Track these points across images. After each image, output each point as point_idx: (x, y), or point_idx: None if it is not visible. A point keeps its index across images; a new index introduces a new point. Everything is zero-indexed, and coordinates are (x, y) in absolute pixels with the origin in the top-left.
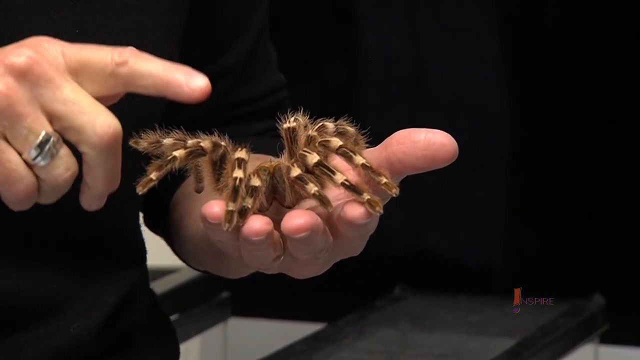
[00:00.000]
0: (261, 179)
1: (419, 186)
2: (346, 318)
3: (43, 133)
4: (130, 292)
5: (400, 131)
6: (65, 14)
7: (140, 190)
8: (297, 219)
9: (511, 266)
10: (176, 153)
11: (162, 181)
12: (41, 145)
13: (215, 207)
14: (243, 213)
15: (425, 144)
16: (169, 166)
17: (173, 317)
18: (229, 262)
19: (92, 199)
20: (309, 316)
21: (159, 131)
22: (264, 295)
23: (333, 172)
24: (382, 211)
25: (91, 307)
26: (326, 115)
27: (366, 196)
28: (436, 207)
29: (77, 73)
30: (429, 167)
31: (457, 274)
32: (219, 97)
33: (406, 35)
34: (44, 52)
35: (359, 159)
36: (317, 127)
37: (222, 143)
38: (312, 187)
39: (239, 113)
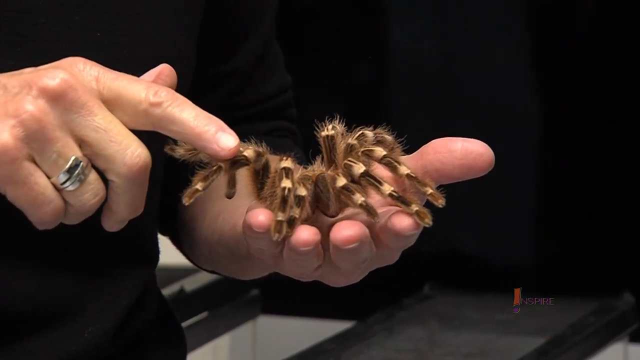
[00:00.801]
0: (307, 189)
1: (447, 185)
2: (375, 316)
3: (73, 158)
4: (142, 293)
5: (437, 140)
6: (85, 15)
7: (187, 201)
8: (347, 230)
9: (540, 265)
10: (221, 163)
11: (170, 181)
12: (70, 170)
13: (261, 216)
14: (291, 223)
15: (463, 153)
16: (214, 176)
17: (203, 315)
18: (250, 266)
19: (114, 223)
20: (338, 314)
21: None
22: (293, 293)
23: (380, 183)
24: (431, 223)
25: (105, 310)
26: (355, 113)
27: (414, 207)
28: (465, 205)
29: (109, 102)
30: (466, 176)
31: (486, 273)
32: (229, 96)
33: (435, 32)
34: (79, 75)
35: (404, 169)
36: (356, 135)
37: (261, 150)
38: (359, 197)
39: (248, 113)
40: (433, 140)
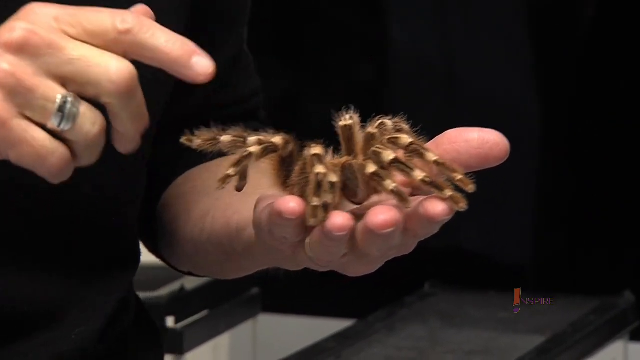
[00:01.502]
0: (337, 175)
1: None
2: (376, 314)
3: (59, 97)
4: (125, 294)
5: (451, 130)
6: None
7: (219, 186)
8: (383, 215)
9: (541, 263)
10: (252, 149)
11: (147, 183)
12: (61, 109)
13: (292, 203)
14: (325, 208)
15: (479, 142)
16: (245, 162)
17: (203, 313)
18: (244, 263)
19: (127, 143)
20: (338, 312)
21: (213, 128)
22: (293, 291)
23: (412, 169)
24: (466, 206)
25: (94, 311)
26: (355, 113)
27: (448, 192)
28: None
29: (76, 37)
30: (482, 165)
31: (487, 271)
32: (209, 97)
33: (435, 32)
34: (36, 20)
35: (431, 156)
36: (377, 124)
37: (289, 138)
38: (390, 184)
39: (225, 114)
40: (447, 131)
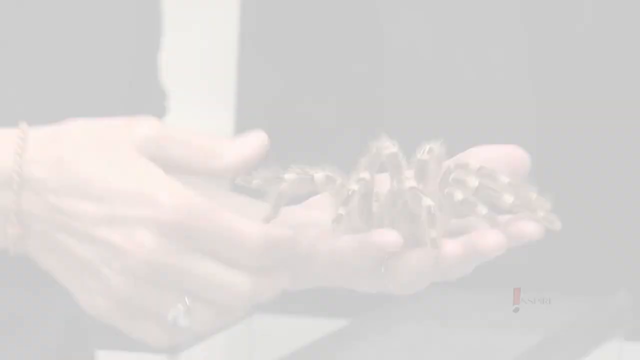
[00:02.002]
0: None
1: None
2: (370, 314)
3: (172, 313)
4: None
5: (474, 148)
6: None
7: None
8: (494, 238)
9: (535, 262)
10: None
11: None
12: (175, 320)
13: (393, 236)
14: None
15: (506, 159)
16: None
17: None
18: None
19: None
20: (335, 312)
21: (269, 167)
22: (289, 291)
23: (500, 193)
24: (561, 226)
25: (60, 315)
26: (354, 113)
27: (541, 212)
28: None
29: (200, 249)
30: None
31: (482, 270)
32: None
33: (435, 32)
34: (163, 240)
35: (504, 178)
36: (425, 151)
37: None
38: (483, 209)
39: None
40: (470, 149)
